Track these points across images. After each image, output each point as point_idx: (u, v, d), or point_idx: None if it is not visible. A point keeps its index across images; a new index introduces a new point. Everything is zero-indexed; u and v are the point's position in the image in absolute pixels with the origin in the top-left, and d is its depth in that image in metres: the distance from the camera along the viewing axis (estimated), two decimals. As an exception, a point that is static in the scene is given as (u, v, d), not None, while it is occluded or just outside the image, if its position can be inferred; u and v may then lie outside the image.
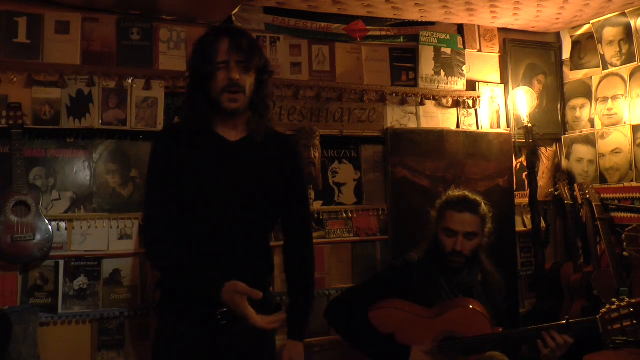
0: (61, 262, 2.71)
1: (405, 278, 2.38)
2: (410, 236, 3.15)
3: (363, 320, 2.29)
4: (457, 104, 3.68)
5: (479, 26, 3.79)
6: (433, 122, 3.61)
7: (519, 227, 3.80)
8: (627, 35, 3.57)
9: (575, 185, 3.74)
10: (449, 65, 3.66)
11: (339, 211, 3.33)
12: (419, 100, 3.55)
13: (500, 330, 2.25)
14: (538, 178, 3.71)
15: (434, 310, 2.30)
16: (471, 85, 3.75)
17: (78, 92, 2.81)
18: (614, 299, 2.12)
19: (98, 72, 2.83)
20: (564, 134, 4.01)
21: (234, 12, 3.09)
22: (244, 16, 3.17)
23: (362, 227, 3.38)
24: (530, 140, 3.62)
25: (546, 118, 3.96)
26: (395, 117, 3.51)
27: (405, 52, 3.59)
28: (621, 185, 3.61)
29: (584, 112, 3.91)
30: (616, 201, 3.61)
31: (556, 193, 3.82)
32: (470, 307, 2.27)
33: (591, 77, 3.86)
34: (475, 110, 3.75)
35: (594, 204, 3.52)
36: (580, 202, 3.64)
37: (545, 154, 3.97)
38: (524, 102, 3.69)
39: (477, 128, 3.73)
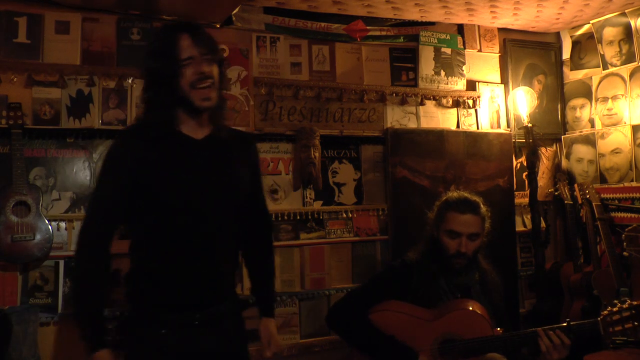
0: (61, 262, 2.71)
1: (404, 279, 2.37)
2: (410, 236, 3.14)
3: (365, 323, 2.29)
4: (457, 104, 3.68)
5: (479, 26, 3.79)
6: (433, 122, 3.61)
7: (519, 227, 3.80)
8: (627, 35, 3.57)
9: (575, 185, 3.74)
10: (449, 65, 3.66)
11: (339, 211, 3.33)
12: (419, 100, 3.55)
13: (500, 331, 2.24)
14: (538, 178, 3.71)
15: (434, 312, 2.30)
16: (471, 85, 3.75)
17: (78, 92, 2.81)
18: (615, 301, 2.12)
19: (98, 72, 2.83)
20: (564, 134, 4.01)
21: (234, 12, 3.10)
22: (244, 16, 3.17)
23: (362, 227, 3.38)
24: (530, 140, 3.62)
25: (546, 118, 3.96)
26: (395, 117, 3.51)
27: (405, 52, 3.59)
28: (621, 185, 3.61)
29: (584, 112, 3.91)
30: (616, 201, 3.61)
31: (556, 193, 3.82)
32: (470, 308, 2.27)
33: (591, 77, 3.86)
34: (475, 110, 3.75)
35: (594, 204, 3.52)
36: (580, 202, 3.64)
37: (545, 154, 3.97)
38: (524, 102, 3.69)
39: (477, 128, 3.73)
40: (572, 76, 3.99)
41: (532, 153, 3.62)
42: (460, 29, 3.75)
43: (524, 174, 3.82)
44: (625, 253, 3.27)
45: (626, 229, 3.30)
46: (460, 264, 2.34)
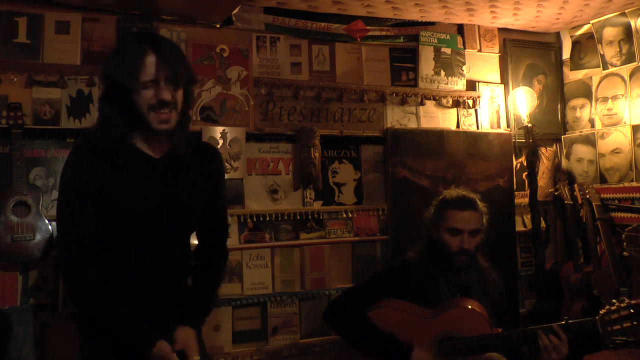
0: (61, 262, 2.71)
1: (404, 278, 2.38)
2: (410, 236, 3.14)
3: (363, 320, 2.30)
4: (457, 104, 3.68)
5: (479, 26, 3.79)
6: (433, 122, 3.61)
7: (519, 227, 3.80)
8: (627, 35, 3.57)
9: (575, 185, 3.74)
10: (449, 65, 3.66)
11: (339, 211, 3.33)
12: (419, 100, 3.55)
13: (500, 330, 2.25)
14: (538, 178, 3.71)
15: (433, 310, 2.30)
16: (471, 85, 3.75)
17: (78, 92, 2.81)
18: (614, 300, 2.12)
19: (98, 72, 2.80)
20: (564, 134, 4.01)
21: (234, 12, 3.10)
22: (244, 16, 3.17)
23: (362, 227, 3.38)
24: (530, 140, 3.62)
25: (546, 118, 3.96)
26: (395, 117, 3.51)
27: (405, 52, 3.59)
28: (621, 185, 3.61)
29: (584, 112, 3.91)
30: (616, 201, 3.61)
31: (556, 193, 3.82)
32: (469, 307, 2.27)
33: (591, 77, 3.86)
34: (475, 110, 3.75)
35: (594, 204, 3.52)
36: (580, 202, 3.64)
37: (545, 154, 3.97)
38: (524, 102, 3.69)
39: (477, 128, 3.73)
40: (572, 76, 3.99)
41: (532, 153, 3.62)
42: (460, 29, 3.75)
43: (524, 174, 3.82)
44: (625, 253, 3.27)
45: (626, 229, 3.30)
46: (463, 261, 2.35)
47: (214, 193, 1.89)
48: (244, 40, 3.18)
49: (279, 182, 3.21)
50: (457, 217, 2.35)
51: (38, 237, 2.57)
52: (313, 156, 3.19)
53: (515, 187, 3.77)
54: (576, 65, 3.97)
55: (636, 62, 3.55)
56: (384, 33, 3.52)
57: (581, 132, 3.91)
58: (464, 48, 3.73)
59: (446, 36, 3.67)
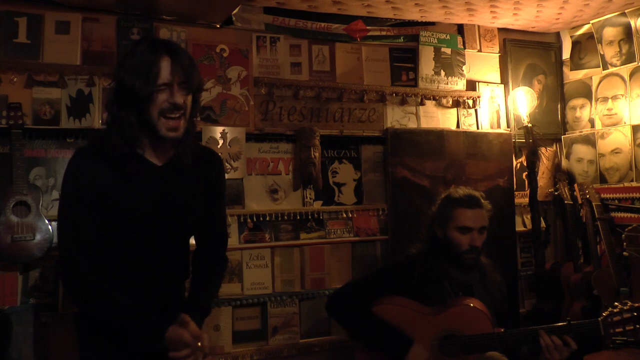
0: (61, 262, 2.71)
1: (407, 273, 2.39)
2: (410, 236, 3.14)
3: (365, 311, 2.31)
4: (457, 104, 3.68)
5: (479, 26, 3.79)
6: (433, 122, 3.61)
7: (519, 227, 3.80)
8: (627, 35, 3.57)
9: (575, 185, 3.74)
10: (449, 65, 3.66)
11: (339, 211, 3.33)
12: (419, 100, 3.55)
13: (502, 330, 2.25)
14: (538, 178, 3.71)
15: (436, 307, 2.31)
16: (471, 85, 3.75)
17: (78, 92, 2.81)
18: (616, 303, 2.12)
19: (98, 72, 2.83)
20: (564, 134, 4.01)
21: (234, 12, 3.10)
22: (244, 16, 3.17)
23: (362, 227, 3.38)
24: (530, 140, 3.62)
25: (546, 118, 3.96)
26: (395, 117, 3.51)
27: (405, 52, 3.59)
28: (621, 185, 3.61)
29: (584, 112, 3.91)
30: (616, 201, 3.61)
31: (556, 193, 3.82)
32: (472, 305, 2.28)
33: (591, 77, 3.86)
34: (475, 110, 3.75)
35: (594, 204, 3.52)
36: (580, 202, 3.64)
37: (545, 154, 3.97)
38: (524, 102, 3.69)
39: (477, 128, 3.73)
40: (572, 76, 3.99)
41: (532, 153, 3.62)
42: (460, 29, 3.75)
43: (524, 174, 3.82)
44: (625, 253, 3.26)
45: (626, 229, 3.29)
46: (472, 259, 2.37)
47: (215, 199, 1.90)
48: (244, 40, 3.18)
49: (279, 182, 3.21)
50: (466, 215, 2.37)
51: (38, 237, 2.57)
52: (313, 156, 3.19)
53: (515, 187, 3.77)
54: (576, 65, 3.97)
55: (636, 62, 3.55)
56: (384, 33, 3.52)
57: (581, 132, 3.91)
58: (464, 48, 3.73)
59: (446, 36, 3.67)
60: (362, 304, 2.34)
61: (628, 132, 3.59)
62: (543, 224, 3.76)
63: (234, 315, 3.05)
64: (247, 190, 3.13)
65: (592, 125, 3.84)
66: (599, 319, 2.10)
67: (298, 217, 3.22)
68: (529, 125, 3.62)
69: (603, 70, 3.74)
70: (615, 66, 3.67)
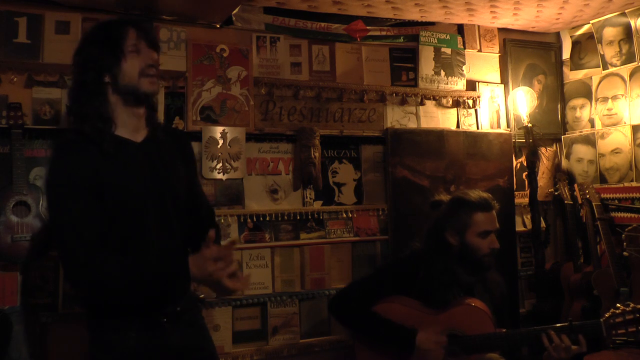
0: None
1: (413, 270, 2.37)
2: (410, 236, 3.14)
3: (369, 310, 2.32)
4: (457, 104, 3.68)
5: (479, 26, 3.79)
6: (433, 122, 3.61)
7: (519, 227, 3.80)
8: (627, 35, 3.57)
9: (575, 185, 3.74)
10: (449, 65, 3.66)
11: (339, 211, 3.33)
12: (419, 100, 3.55)
13: (504, 331, 2.24)
14: (538, 178, 3.72)
15: (438, 307, 2.31)
16: (471, 85, 3.75)
17: (78, 92, 2.80)
18: (618, 304, 2.12)
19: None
20: (564, 134, 4.01)
21: (234, 12, 3.10)
22: (244, 16, 3.17)
23: (362, 227, 3.38)
24: (530, 140, 3.62)
25: (546, 118, 3.96)
26: (395, 117, 3.51)
27: (405, 52, 3.59)
28: (621, 185, 3.61)
29: (584, 112, 3.91)
30: (616, 201, 3.61)
31: (556, 193, 3.82)
32: (474, 305, 2.28)
33: (591, 77, 3.86)
34: (475, 110, 3.75)
35: (594, 204, 3.52)
36: (580, 202, 3.64)
37: (545, 154, 3.97)
38: (524, 102, 3.69)
39: (477, 128, 3.73)
40: (572, 76, 3.99)
41: (532, 153, 3.62)
42: (460, 29, 3.75)
43: (524, 174, 3.82)
44: (625, 253, 3.27)
45: (626, 229, 3.30)
46: (491, 261, 2.36)
47: (192, 172, 1.96)
48: (244, 40, 3.18)
49: (279, 182, 3.21)
50: (487, 219, 2.35)
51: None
52: (313, 156, 3.19)
53: (515, 187, 3.77)
54: (576, 65, 3.97)
55: (636, 62, 3.55)
56: (384, 33, 3.52)
57: (581, 132, 3.91)
58: (464, 48, 3.73)
59: (446, 36, 3.67)
60: (365, 303, 2.33)
61: (628, 132, 3.59)
62: (543, 224, 3.77)
63: (233, 315, 3.05)
64: (247, 190, 3.13)
65: (592, 125, 3.85)
66: (601, 319, 2.10)
67: (298, 217, 3.22)
68: (529, 125, 3.62)
69: (603, 70, 3.74)
70: (615, 66, 3.67)
